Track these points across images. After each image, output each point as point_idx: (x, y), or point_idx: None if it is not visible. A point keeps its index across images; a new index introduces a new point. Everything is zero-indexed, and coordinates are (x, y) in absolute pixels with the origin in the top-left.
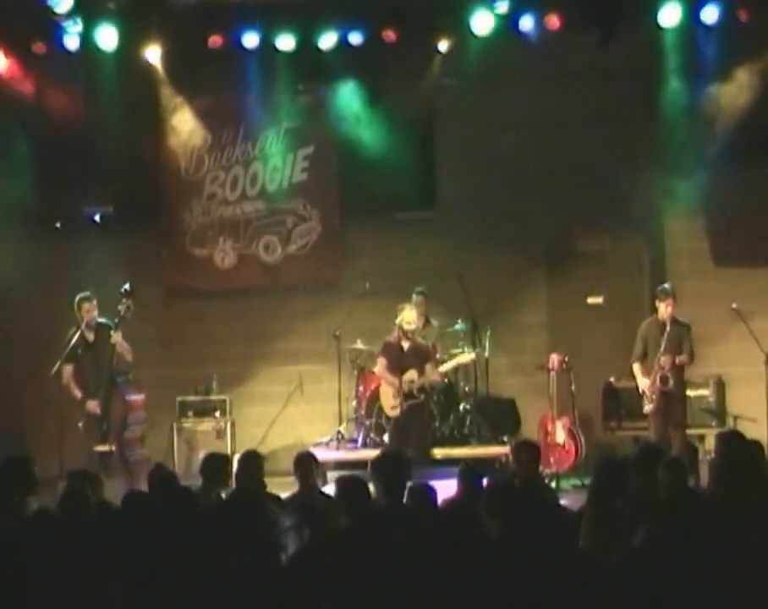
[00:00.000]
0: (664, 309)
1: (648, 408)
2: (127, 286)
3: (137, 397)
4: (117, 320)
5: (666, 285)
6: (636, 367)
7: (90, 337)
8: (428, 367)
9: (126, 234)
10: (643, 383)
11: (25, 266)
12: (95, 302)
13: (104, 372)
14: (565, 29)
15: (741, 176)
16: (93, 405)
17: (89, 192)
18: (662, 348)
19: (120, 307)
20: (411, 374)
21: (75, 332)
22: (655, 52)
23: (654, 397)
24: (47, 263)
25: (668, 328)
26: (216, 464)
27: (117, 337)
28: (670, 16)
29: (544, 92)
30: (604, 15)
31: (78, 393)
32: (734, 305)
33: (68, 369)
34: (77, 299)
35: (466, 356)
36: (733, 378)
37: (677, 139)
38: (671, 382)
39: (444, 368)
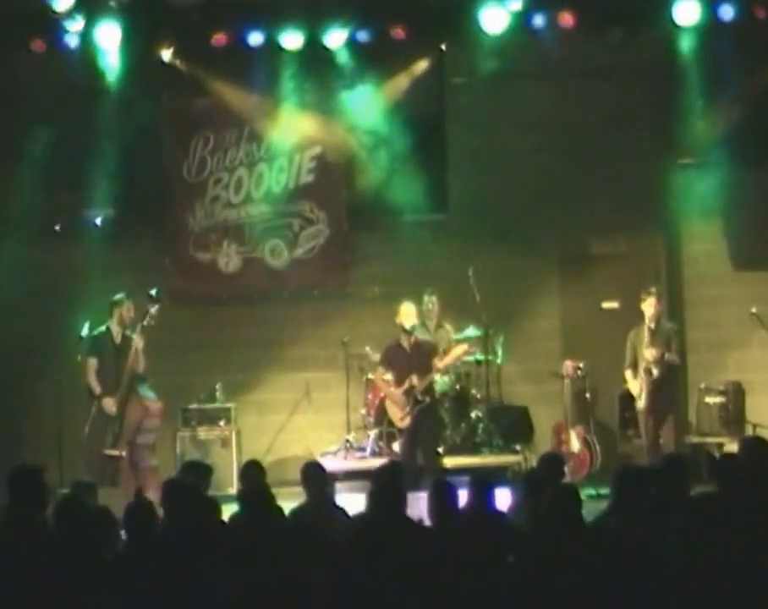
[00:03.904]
0: (647, 309)
1: (639, 404)
2: (153, 291)
3: (155, 404)
4: (142, 324)
5: (651, 288)
6: (628, 373)
7: (118, 338)
8: (435, 361)
9: (127, 238)
10: (634, 386)
11: (24, 270)
12: (132, 305)
13: (123, 375)
14: (580, 27)
15: (760, 177)
16: (110, 403)
17: (89, 194)
18: (646, 343)
19: (147, 313)
20: (412, 380)
21: (103, 330)
22: (671, 51)
23: (642, 393)
24: (47, 267)
25: (652, 325)
26: (195, 471)
27: (139, 342)
28: (687, 14)
29: (557, 92)
30: (622, 13)
31: (97, 389)
32: (753, 310)
33: (93, 362)
34: (117, 297)
35: (460, 348)
36: (753, 385)
37: (694, 140)
38: (654, 373)
39: (443, 364)
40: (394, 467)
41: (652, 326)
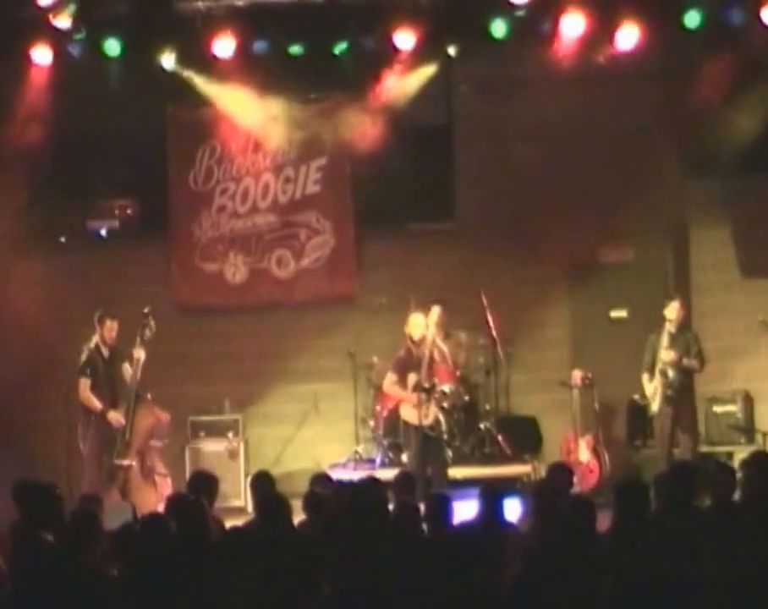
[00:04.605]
0: (669, 313)
1: (653, 407)
2: (146, 309)
3: (164, 414)
4: (142, 338)
5: (674, 294)
6: (645, 377)
7: (106, 353)
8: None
9: (133, 249)
10: (649, 389)
11: (29, 283)
12: (117, 322)
13: (118, 389)
14: (587, 32)
15: None
16: (116, 416)
17: (94, 205)
18: (664, 345)
19: (146, 325)
20: (411, 377)
21: (91, 347)
22: (681, 57)
23: (657, 395)
24: (51, 279)
25: (672, 330)
26: (202, 482)
27: (140, 353)
28: (695, 18)
29: (565, 99)
30: (632, 18)
31: (98, 405)
32: (762, 318)
33: (86, 382)
34: (99, 314)
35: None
36: (762, 393)
37: (702, 147)
38: (670, 375)
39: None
40: (409, 477)
41: (673, 330)
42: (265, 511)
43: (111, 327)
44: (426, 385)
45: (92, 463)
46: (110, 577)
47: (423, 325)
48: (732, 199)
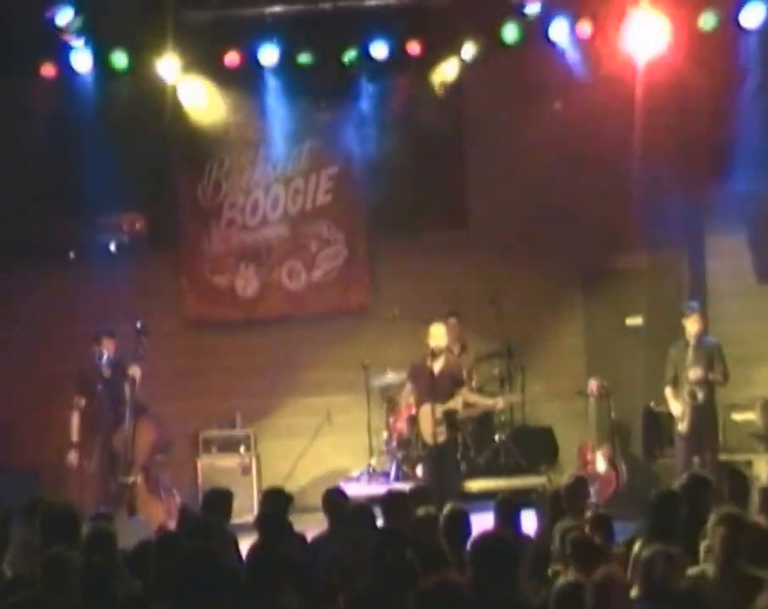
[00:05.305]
0: (690, 326)
1: (681, 427)
2: (139, 324)
3: (162, 429)
4: (137, 355)
5: (692, 302)
6: (668, 391)
7: (107, 372)
8: (463, 391)
9: (142, 263)
10: (675, 407)
11: (38, 298)
12: (114, 340)
13: (122, 406)
14: (600, 37)
15: None
16: (72, 458)
17: (103, 220)
18: (689, 362)
19: (140, 343)
20: (454, 403)
21: (90, 366)
22: (695, 61)
23: (685, 417)
24: (61, 294)
25: (694, 343)
26: (218, 499)
27: (136, 370)
28: (710, 21)
29: (578, 104)
30: None
31: (74, 433)
32: None
33: (80, 402)
34: (96, 332)
35: (498, 402)
36: None
37: (716, 151)
38: (699, 396)
39: (472, 399)
40: (425, 491)
41: (694, 343)
42: (265, 529)
43: (108, 345)
44: (459, 425)
45: (98, 482)
46: (131, 597)
47: (442, 335)
48: (747, 204)
